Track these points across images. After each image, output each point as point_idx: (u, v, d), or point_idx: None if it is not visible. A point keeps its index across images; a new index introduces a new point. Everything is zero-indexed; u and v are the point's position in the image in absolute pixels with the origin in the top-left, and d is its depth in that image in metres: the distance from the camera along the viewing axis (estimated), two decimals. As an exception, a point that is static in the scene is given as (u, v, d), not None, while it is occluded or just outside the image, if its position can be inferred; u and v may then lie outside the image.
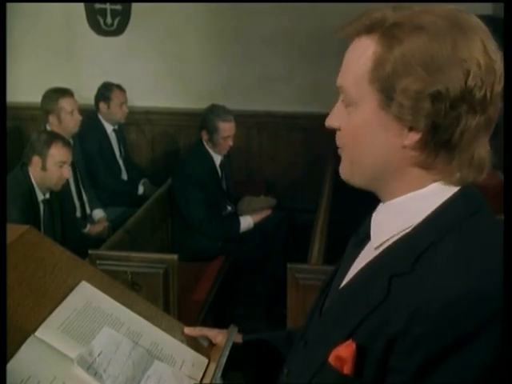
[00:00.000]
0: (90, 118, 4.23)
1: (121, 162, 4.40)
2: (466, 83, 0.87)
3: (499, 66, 0.90)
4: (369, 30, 0.92)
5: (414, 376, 0.82)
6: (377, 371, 0.86)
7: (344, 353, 0.89)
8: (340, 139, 0.99)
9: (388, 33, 0.90)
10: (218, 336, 1.35)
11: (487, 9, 4.15)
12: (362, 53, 0.92)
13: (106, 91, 4.24)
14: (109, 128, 4.31)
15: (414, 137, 0.90)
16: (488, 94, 0.88)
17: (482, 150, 0.93)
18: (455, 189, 0.94)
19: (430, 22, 0.89)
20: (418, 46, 0.87)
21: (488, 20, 0.94)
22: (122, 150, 4.42)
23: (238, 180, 4.46)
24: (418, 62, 0.87)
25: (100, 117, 4.28)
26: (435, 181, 0.93)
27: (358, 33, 0.94)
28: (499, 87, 0.90)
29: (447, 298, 0.81)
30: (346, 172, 1.00)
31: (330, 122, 0.99)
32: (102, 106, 4.24)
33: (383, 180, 0.96)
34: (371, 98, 0.92)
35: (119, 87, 4.28)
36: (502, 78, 0.91)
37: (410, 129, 0.90)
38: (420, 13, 0.91)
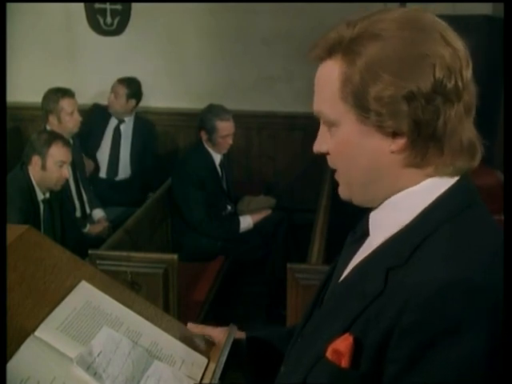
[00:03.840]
0: (101, 108, 4.47)
1: (105, 156, 4.47)
2: (434, 76, 0.88)
3: (463, 52, 0.92)
4: (329, 53, 0.95)
5: (406, 365, 0.83)
6: (374, 363, 0.87)
7: (341, 346, 0.90)
8: (331, 162, 1.01)
9: (348, 50, 0.92)
10: (219, 334, 1.35)
11: (487, 9, 4.15)
12: (329, 76, 0.95)
13: (114, 85, 4.39)
14: (113, 121, 4.43)
15: (400, 141, 0.92)
16: (459, 82, 0.90)
17: (469, 134, 0.95)
18: (450, 183, 0.95)
19: (385, 28, 0.91)
20: (378, 53, 0.89)
21: (488, 20, 0.95)
22: (116, 148, 4.47)
23: (237, 180, 4.46)
24: (383, 68, 0.89)
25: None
26: (429, 175, 0.95)
27: (321, 58, 0.97)
28: (468, 72, 0.92)
29: (437, 287, 0.82)
30: (344, 193, 1.02)
31: (318, 147, 1.02)
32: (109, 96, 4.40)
33: (379, 188, 0.97)
34: (348, 115, 0.94)
35: (122, 81, 4.38)
36: (470, 63, 0.93)
37: (394, 134, 0.92)
38: (373, 22, 0.92)
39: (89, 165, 4.29)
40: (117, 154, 4.45)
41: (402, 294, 0.85)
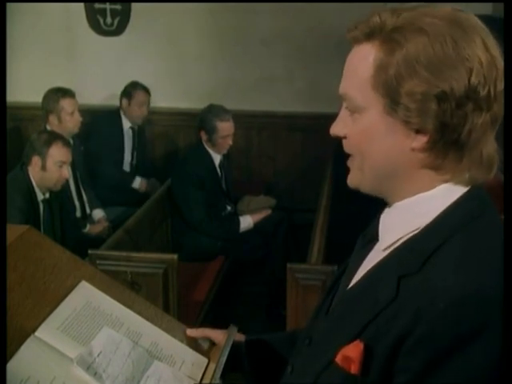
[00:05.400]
0: (111, 112, 4.40)
1: (128, 158, 4.43)
2: (469, 81, 0.87)
3: (500, 62, 0.91)
4: (368, 36, 0.92)
5: (418, 375, 0.83)
6: (383, 371, 0.87)
7: (352, 353, 0.89)
8: (347, 147, 0.99)
9: (388, 38, 0.90)
10: (219, 335, 1.34)
11: (487, 9, 4.16)
12: (363, 59, 0.92)
13: (131, 89, 4.34)
14: (126, 124, 4.38)
15: (422, 139, 0.90)
16: (492, 91, 0.89)
17: (490, 147, 0.94)
18: (463, 190, 0.94)
19: (429, 23, 0.89)
20: (419, 49, 0.88)
21: (488, 20, 0.94)
22: (135, 149, 4.44)
23: (237, 180, 4.46)
24: (421, 64, 0.87)
25: (121, 113, 4.38)
26: (445, 181, 0.93)
27: (358, 40, 0.94)
28: (501, 83, 0.91)
29: (451, 298, 0.81)
30: (354, 180, 1.00)
31: (336, 130, 0.99)
32: (124, 102, 4.33)
33: (392, 184, 0.96)
34: (376, 104, 0.92)
35: (144, 88, 4.35)
36: (503, 75, 0.91)
37: (418, 131, 0.90)
38: (419, 15, 0.91)
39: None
40: (134, 162, 4.49)
41: (415, 302, 0.84)
